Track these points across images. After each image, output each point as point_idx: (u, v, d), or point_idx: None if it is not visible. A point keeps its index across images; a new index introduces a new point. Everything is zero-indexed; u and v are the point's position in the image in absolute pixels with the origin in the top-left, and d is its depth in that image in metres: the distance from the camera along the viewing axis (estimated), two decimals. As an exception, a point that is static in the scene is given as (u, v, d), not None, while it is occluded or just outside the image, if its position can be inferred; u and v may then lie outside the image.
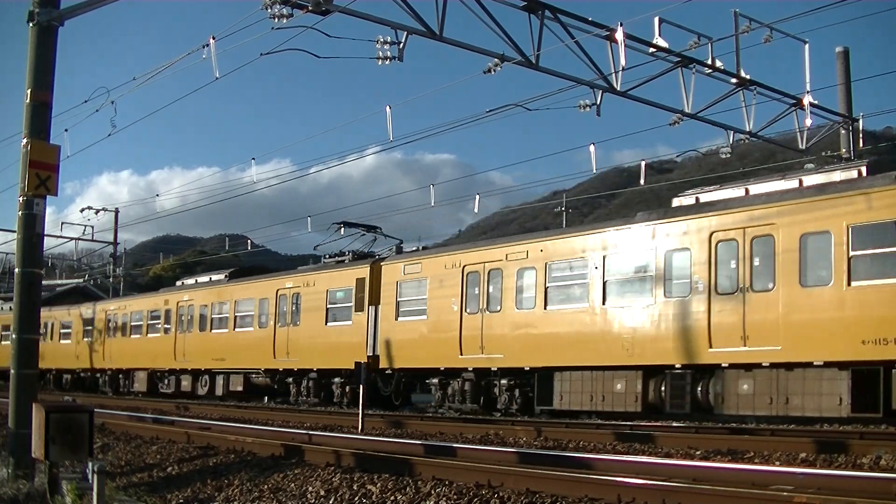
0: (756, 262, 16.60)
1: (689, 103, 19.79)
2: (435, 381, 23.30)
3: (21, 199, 11.34)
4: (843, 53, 24.39)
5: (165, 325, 34.02)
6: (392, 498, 8.83)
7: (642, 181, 25.51)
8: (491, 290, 21.55)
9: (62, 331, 41.00)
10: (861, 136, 24.46)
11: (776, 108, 22.21)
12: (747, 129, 21.57)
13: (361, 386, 18.40)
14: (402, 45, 15.67)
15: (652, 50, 18.57)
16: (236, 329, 30.24)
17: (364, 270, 25.31)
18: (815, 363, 15.47)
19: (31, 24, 11.45)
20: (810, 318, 15.59)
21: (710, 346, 16.93)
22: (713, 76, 20.05)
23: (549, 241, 20.84)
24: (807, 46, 21.94)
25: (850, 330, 14.93)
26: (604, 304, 19.05)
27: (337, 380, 26.22)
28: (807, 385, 15.66)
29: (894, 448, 11.16)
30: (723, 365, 16.90)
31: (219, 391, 31.17)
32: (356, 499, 9.04)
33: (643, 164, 25.36)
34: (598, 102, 18.53)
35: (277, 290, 28.51)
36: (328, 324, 26.40)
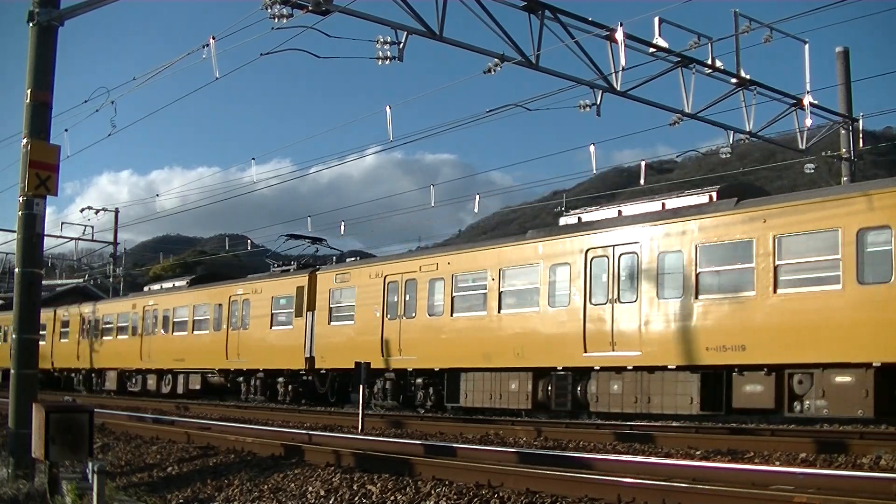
0: (623, 276, 18.54)
1: (689, 103, 19.81)
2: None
3: (21, 199, 11.34)
4: (843, 53, 24.39)
5: (133, 328, 36.28)
6: (392, 498, 8.83)
7: (642, 181, 25.54)
8: (407, 298, 23.54)
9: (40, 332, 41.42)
10: (861, 136, 24.48)
11: (776, 108, 22.27)
12: (747, 129, 21.59)
13: (361, 386, 18.41)
14: (402, 45, 15.68)
15: (652, 50, 18.58)
16: (195, 332, 32.50)
17: (303, 279, 27.40)
18: (668, 367, 17.38)
19: (31, 24, 11.45)
20: (665, 328, 17.53)
21: (585, 351, 18.82)
22: (713, 76, 20.07)
23: (455, 255, 23.03)
24: (807, 46, 21.96)
25: (698, 338, 16.94)
26: (499, 312, 20.96)
27: (280, 379, 28.36)
28: (665, 386, 17.63)
29: (894, 448, 11.16)
30: (595, 368, 18.82)
31: (180, 389, 33.13)
32: (356, 499, 9.04)
33: (643, 164, 25.40)
34: (598, 102, 18.55)
35: (230, 297, 30.65)
36: (273, 328, 28.57)
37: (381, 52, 15.64)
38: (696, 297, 16.99)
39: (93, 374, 39.60)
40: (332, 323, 26.10)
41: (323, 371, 26.66)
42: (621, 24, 17.29)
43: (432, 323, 22.70)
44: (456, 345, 21.99)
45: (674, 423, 17.04)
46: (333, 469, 10.50)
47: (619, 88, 18.46)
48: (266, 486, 10.24)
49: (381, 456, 11.15)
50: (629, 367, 18.06)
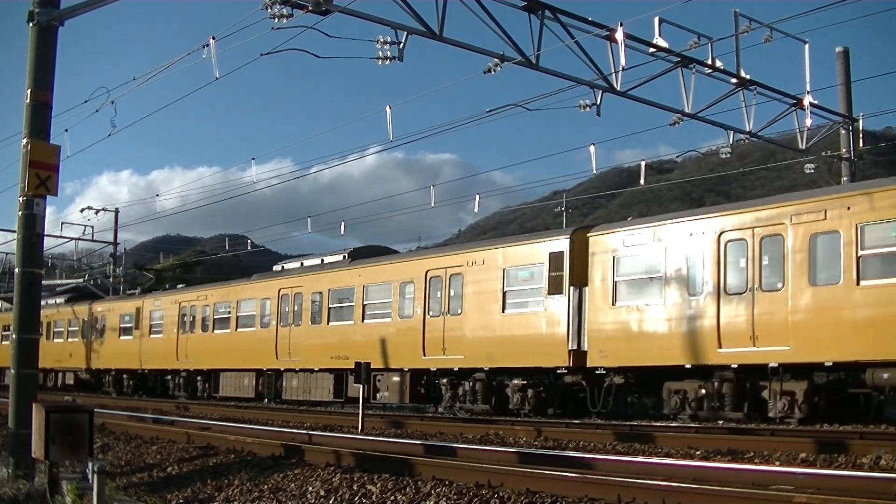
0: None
1: (689, 103, 19.81)
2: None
3: (21, 199, 11.33)
4: (843, 53, 24.37)
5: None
6: (392, 498, 8.83)
7: (642, 181, 25.53)
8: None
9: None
10: (861, 136, 24.47)
11: (776, 108, 22.27)
12: (747, 129, 21.59)
13: (361, 386, 18.40)
14: (402, 45, 15.68)
15: (652, 50, 18.58)
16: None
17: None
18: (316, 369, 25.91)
19: (31, 24, 11.45)
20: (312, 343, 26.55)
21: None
22: (713, 76, 20.07)
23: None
24: (807, 46, 21.96)
25: (328, 350, 25.48)
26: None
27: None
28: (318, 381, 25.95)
29: (894, 448, 11.15)
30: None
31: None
32: (356, 499, 9.04)
33: (643, 164, 25.38)
34: (598, 102, 18.55)
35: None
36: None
37: (381, 52, 15.64)
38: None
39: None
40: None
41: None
42: (621, 24, 17.30)
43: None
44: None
45: (673, 423, 17.03)
46: (333, 469, 10.50)
47: (619, 88, 18.46)
48: (266, 486, 10.24)
49: (381, 456, 11.15)
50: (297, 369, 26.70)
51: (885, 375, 14.70)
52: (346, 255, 27.29)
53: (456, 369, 21.85)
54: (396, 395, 23.46)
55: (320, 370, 26.06)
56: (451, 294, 22.22)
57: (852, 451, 11.39)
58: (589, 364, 18.99)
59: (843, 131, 24.07)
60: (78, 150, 31.43)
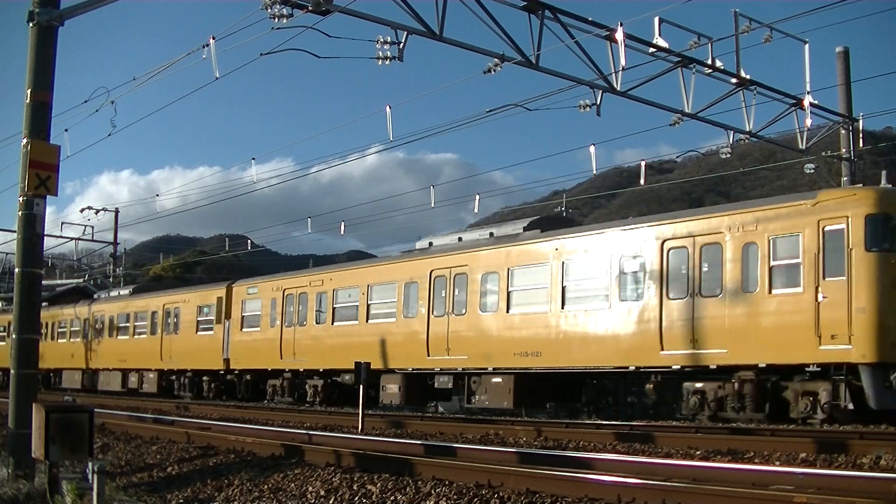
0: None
1: (689, 103, 19.80)
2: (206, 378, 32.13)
3: (21, 199, 11.34)
4: (843, 53, 24.38)
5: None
6: (392, 498, 8.83)
7: (642, 181, 25.53)
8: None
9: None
10: (861, 136, 24.48)
11: (776, 108, 22.27)
12: (747, 129, 21.58)
13: (361, 386, 18.39)
14: (402, 45, 15.67)
15: (652, 50, 18.57)
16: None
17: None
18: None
19: (31, 24, 11.45)
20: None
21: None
22: (713, 76, 20.06)
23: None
24: (807, 46, 21.96)
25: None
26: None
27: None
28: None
29: (894, 448, 11.15)
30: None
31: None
32: (356, 499, 9.04)
33: (643, 164, 25.38)
34: (598, 102, 18.55)
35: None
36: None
37: (381, 52, 15.63)
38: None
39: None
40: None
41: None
42: (621, 24, 17.29)
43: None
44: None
45: (673, 423, 17.04)
46: (333, 469, 10.50)
47: (619, 88, 18.45)
48: (266, 486, 10.24)
49: (381, 456, 11.15)
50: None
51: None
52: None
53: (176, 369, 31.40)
54: None
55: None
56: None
57: (852, 451, 11.39)
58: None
59: (843, 131, 24.07)
60: (78, 150, 31.47)
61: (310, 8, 14.28)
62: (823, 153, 25.02)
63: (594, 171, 26.65)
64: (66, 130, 20.35)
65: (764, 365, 16.03)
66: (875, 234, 15.07)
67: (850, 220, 15.21)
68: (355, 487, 9.37)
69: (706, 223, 17.38)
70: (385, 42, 15.60)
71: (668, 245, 17.81)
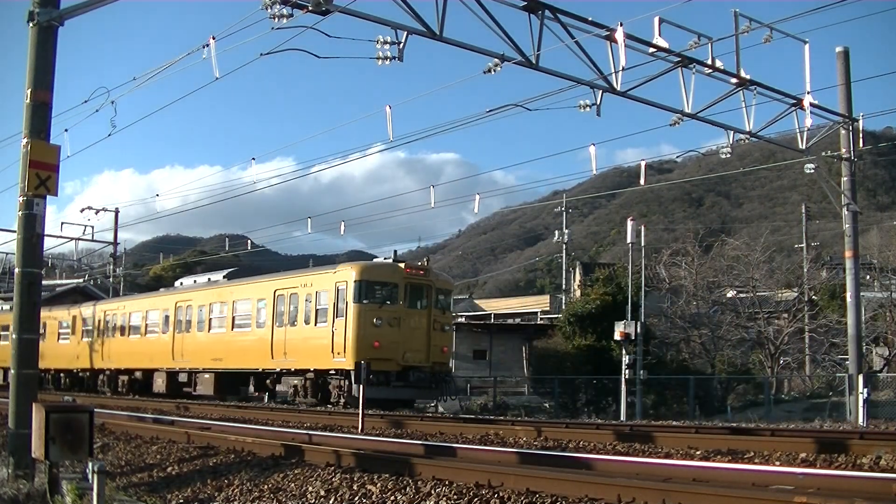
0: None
1: (689, 103, 19.79)
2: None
3: (21, 199, 11.34)
4: (843, 53, 24.36)
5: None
6: (392, 498, 8.83)
7: (642, 181, 25.49)
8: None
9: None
10: (861, 136, 24.48)
11: (776, 108, 22.26)
12: (747, 129, 21.58)
13: (362, 386, 18.40)
14: (402, 45, 15.66)
15: (652, 50, 18.56)
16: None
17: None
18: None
19: (31, 24, 11.45)
20: None
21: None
22: (713, 76, 20.05)
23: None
24: (807, 46, 21.94)
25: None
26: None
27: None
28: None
29: (894, 448, 11.16)
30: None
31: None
32: (356, 499, 9.04)
33: (643, 164, 25.36)
34: (598, 102, 18.53)
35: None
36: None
37: (381, 52, 15.62)
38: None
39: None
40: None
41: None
42: (621, 24, 17.27)
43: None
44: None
45: (673, 423, 17.05)
46: (333, 469, 10.50)
47: (619, 88, 18.45)
48: (266, 486, 10.25)
49: (381, 456, 11.15)
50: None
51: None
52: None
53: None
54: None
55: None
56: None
57: (852, 451, 11.40)
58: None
59: (843, 131, 24.07)
60: (78, 150, 31.50)
61: (310, 8, 14.27)
62: (823, 153, 25.02)
63: (594, 171, 26.66)
64: (66, 130, 20.32)
65: (313, 369, 26.13)
66: (359, 292, 25.10)
67: (347, 283, 25.32)
68: (355, 487, 9.37)
69: (291, 281, 28.13)
70: (385, 42, 15.59)
71: (277, 293, 28.17)
